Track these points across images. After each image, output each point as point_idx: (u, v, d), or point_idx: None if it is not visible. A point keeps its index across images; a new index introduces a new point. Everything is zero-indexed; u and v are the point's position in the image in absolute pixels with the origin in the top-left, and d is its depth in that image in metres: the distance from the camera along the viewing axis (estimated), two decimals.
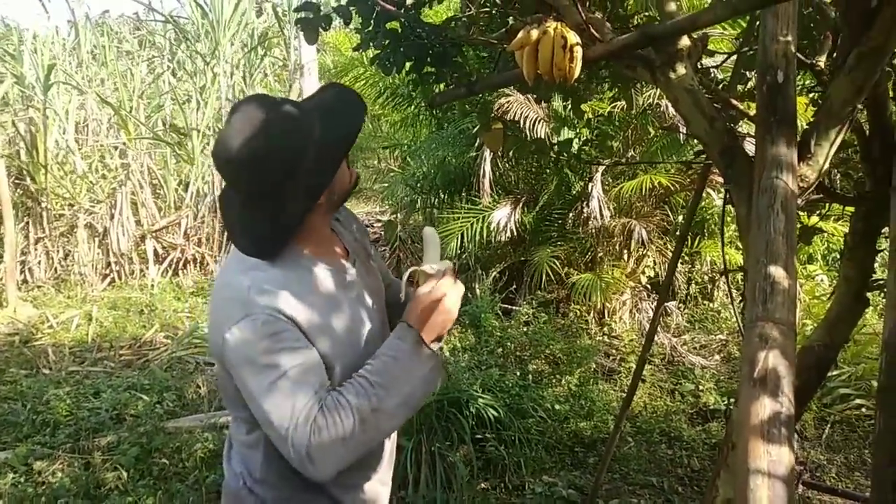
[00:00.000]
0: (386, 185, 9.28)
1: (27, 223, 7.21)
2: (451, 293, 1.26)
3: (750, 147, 1.46)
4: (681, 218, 5.77)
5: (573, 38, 1.38)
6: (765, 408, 0.99)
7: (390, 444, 1.50)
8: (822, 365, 1.70)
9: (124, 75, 8.68)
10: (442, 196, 6.63)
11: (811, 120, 1.49)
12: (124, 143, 7.84)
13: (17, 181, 7.33)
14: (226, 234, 7.68)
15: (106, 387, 4.34)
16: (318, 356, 1.21)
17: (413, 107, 7.11)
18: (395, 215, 7.78)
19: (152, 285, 6.98)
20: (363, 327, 1.34)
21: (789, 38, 1.44)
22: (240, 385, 1.20)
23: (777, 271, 1.14)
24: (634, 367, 4.38)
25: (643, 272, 5.59)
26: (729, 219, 5.69)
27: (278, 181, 1.19)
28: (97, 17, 11.72)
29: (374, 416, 1.16)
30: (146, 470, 3.26)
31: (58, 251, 7.20)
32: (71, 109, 7.82)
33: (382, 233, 8.39)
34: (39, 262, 7.09)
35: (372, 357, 1.24)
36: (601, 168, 5.41)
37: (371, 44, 2.14)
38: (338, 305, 1.29)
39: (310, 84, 3.86)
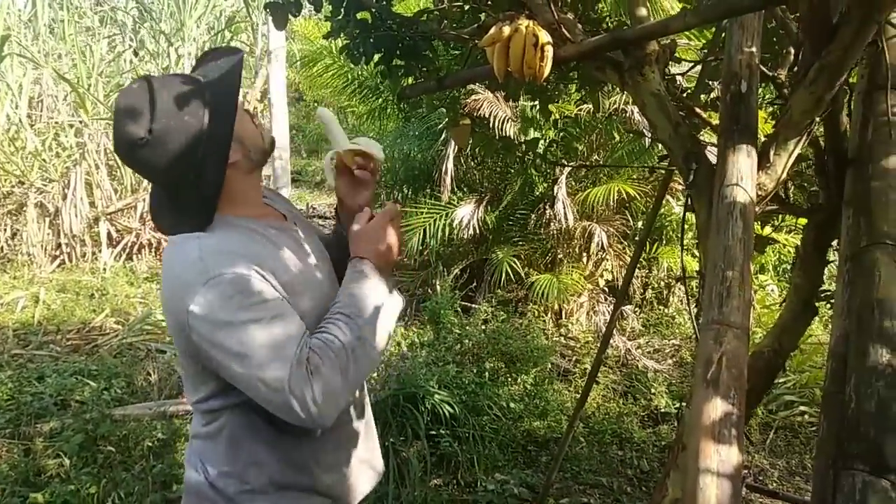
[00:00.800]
0: None
1: None
2: (389, 226, 1.33)
3: (711, 156, 1.49)
4: (640, 223, 5.87)
5: (545, 36, 1.39)
6: (717, 409, 1.01)
7: (364, 420, 1.46)
8: (771, 370, 1.75)
9: (83, 52, 8.41)
10: (406, 191, 6.61)
11: (770, 132, 1.53)
12: (81, 122, 7.60)
13: None
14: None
15: (51, 371, 4.21)
16: (286, 300, 1.20)
17: (380, 99, 7.07)
18: None
19: (104, 269, 6.79)
20: (320, 275, 1.36)
21: (753, 50, 1.48)
22: (216, 356, 1.15)
23: (734, 276, 1.16)
24: (589, 368, 4.45)
25: (601, 275, 5.67)
26: (686, 226, 5.83)
27: (183, 154, 1.18)
28: None
29: (361, 344, 1.19)
30: (90, 458, 3.17)
31: (5, 230, 6.94)
32: (25, 83, 7.54)
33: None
34: None
35: (340, 293, 1.27)
36: (566, 170, 5.47)
37: (341, 33, 2.11)
38: (289, 256, 1.29)
39: (277, 71, 3.79)
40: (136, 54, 9.30)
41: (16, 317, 5.42)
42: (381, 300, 1.26)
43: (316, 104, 12.67)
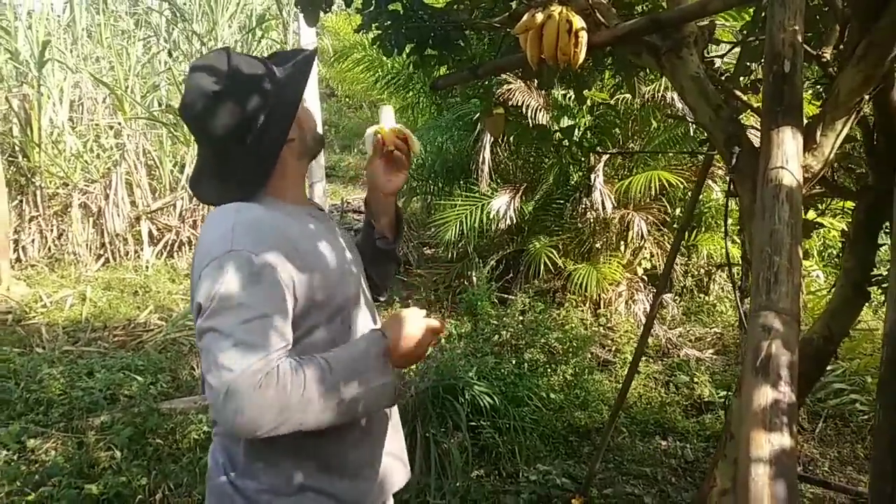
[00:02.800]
0: None
1: (20, 201, 7.16)
2: (429, 333, 1.28)
3: (753, 139, 1.46)
4: (679, 210, 5.77)
5: (578, 22, 1.37)
6: (767, 396, 0.98)
7: (392, 421, 1.44)
8: (822, 357, 1.71)
9: (120, 54, 8.59)
10: (440, 183, 6.61)
11: (815, 113, 1.49)
12: (120, 123, 7.77)
13: (10, 159, 7.26)
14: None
15: (100, 367, 4.33)
16: (289, 308, 1.17)
17: (412, 93, 7.08)
18: None
19: (147, 266, 6.95)
20: (355, 269, 1.40)
21: (797, 28, 1.43)
22: (199, 323, 1.13)
23: (781, 261, 1.13)
24: (630, 358, 4.41)
25: (640, 264, 5.59)
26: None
27: (247, 117, 1.23)
28: None
29: (320, 401, 1.11)
30: (140, 450, 3.25)
31: (51, 230, 7.15)
32: (65, 87, 7.74)
33: None
34: (33, 241, 7.04)
35: (341, 347, 1.22)
36: (603, 159, 5.40)
37: (373, 25, 2.12)
38: (325, 247, 1.31)
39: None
40: (170, 55, 9.46)
41: (65, 314, 5.59)
42: (369, 382, 1.17)
43: (348, 99, 12.78)
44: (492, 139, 5.86)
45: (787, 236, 1.18)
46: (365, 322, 1.38)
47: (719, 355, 4.72)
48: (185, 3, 9.99)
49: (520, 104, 5.24)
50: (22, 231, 7.02)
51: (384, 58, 6.74)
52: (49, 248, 7.08)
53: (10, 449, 3.20)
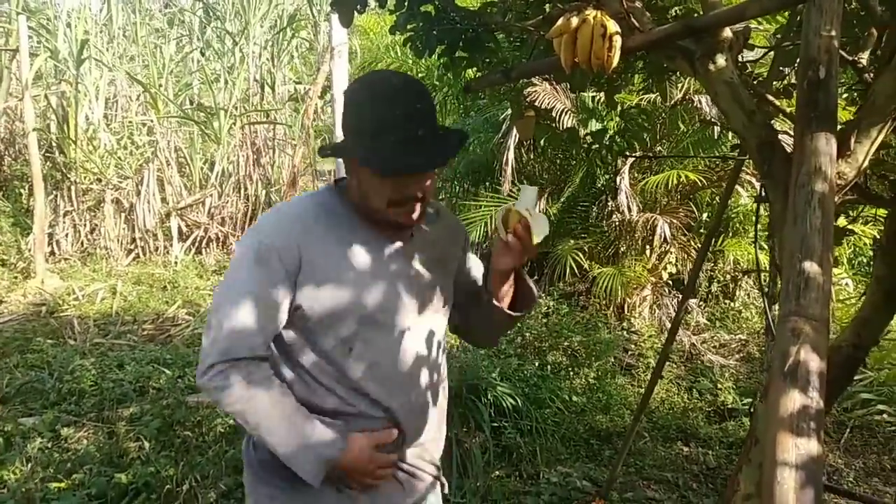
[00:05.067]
0: None
1: (56, 196, 7.33)
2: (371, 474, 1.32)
3: (786, 145, 1.45)
4: (706, 215, 5.72)
5: (613, 26, 1.38)
6: (794, 401, 0.98)
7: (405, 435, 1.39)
8: (850, 365, 1.69)
9: (154, 53, 8.75)
10: (466, 184, 6.63)
11: (848, 119, 1.48)
12: (152, 121, 7.92)
13: (47, 154, 7.44)
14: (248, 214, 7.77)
15: (129, 359, 4.42)
16: (285, 310, 1.27)
17: (440, 94, 7.11)
18: None
19: (176, 262, 7.08)
20: (366, 288, 1.31)
21: (833, 33, 1.42)
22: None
23: (812, 267, 1.13)
24: (653, 362, 4.38)
25: (664, 268, 5.55)
26: (755, 217, 5.64)
27: (351, 125, 1.29)
28: None
29: (254, 427, 1.26)
30: (168, 441, 3.32)
31: (85, 225, 7.32)
32: (101, 85, 7.91)
33: None
34: (67, 235, 7.21)
35: (301, 415, 1.28)
36: (629, 161, 5.38)
37: (405, 26, 2.14)
38: (345, 257, 1.30)
39: (340, 67, 3.86)
40: (202, 54, 9.63)
41: (96, 307, 5.72)
42: (299, 455, 1.25)
43: None
44: (516, 141, 5.87)
45: (819, 242, 1.17)
46: (378, 355, 1.32)
47: (744, 362, 4.67)
48: (216, 3, 10.15)
49: (547, 106, 5.23)
50: (56, 225, 7.19)
51: (413, 61, 6.80)
52: (82, 243, 7.25)
53: (44, 437, 3.28)
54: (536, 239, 1.32)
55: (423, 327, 1.38)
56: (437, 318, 1.42)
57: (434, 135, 1.25)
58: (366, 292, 1.30)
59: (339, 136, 4.27)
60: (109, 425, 3.51)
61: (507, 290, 1.42)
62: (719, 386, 4.18)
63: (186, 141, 8.18)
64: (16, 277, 6.35)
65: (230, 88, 8.44)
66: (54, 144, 7.48)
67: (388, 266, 1.34)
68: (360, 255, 1.31)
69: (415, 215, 1.29)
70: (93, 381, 4.02)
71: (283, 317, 1.28)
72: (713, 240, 5.46)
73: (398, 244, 1.35)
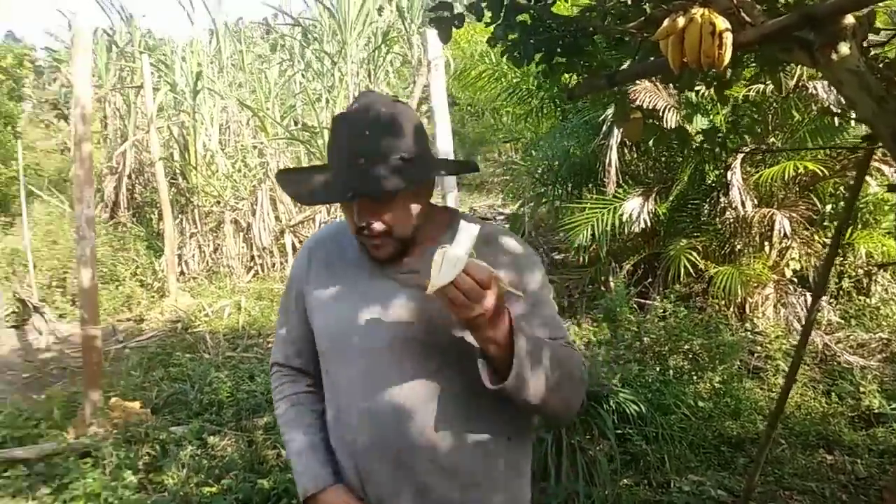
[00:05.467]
0: (508, 177, 9.32)
1: (181, 220, 7.88)
2: None
3: None
4: (829, 207, 5.39)
5: (722, 23, 1.33)
6: None
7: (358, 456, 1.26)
8: None
9: (259, 79, 9.24)
10: (568, 187, 6.56)
11: None
12: (262, 143, 8.36)
13: (171, 181, 8.02)
14: None
15: (259, 372, 4.68)
16: (298, 304, 1.34)
17: (536, 100, 7.09)
18: (521, 208, 7.78)
19: None
20: (341, 315, 1.25)
21: None
22: None
23: None
24: (783, 364, 4.17)
25: (787, 265, 5.27)
26: (887, 207, 5.26)
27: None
28: (233, 25, 12.56)
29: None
30: None
31: (209, 245, 7.82)
32: (215, 113, 8.43)
33: (507, 227, 8.44)
34: (193, 256, 7.73)
35: (310, 447, 1.31)
36: (740, 156, 5.15)
37: (504, 36, 2.17)
38: (328, 290, 1.28)
39: (438, 80, 3.93)
40: (303, 76, 10.07)
41: (224, 322, 6.09)
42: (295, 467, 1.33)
43: (469, 108, 12.96)
44: (619, 140, 5.75)
45: None
46: (338, 382, 1.26)
47: (888, 363, 4.35)
48: (312, 25, 10.57)
49: (650, 105, 5.11)
50: (184, 247, 7.73)
51: (507, 67, 6.82)
52: (207, 262, 7.75)
53: (193, 444, 3.53)
54: (431, 285, 0.99)
55: (399, 363, 1.19)
56: (428, 360, 1.19)
57: (351, 167, 1.13)
58: (333, 313, 1.26)
59: (439, 147, 4.33)
60: (248, 434, 3.73)
61: (493, 350, 1.08)
62: (861, 389, 3.92)
63: (294, 160, 8.57)
64: (153, 296, 6.87)
65: (331, 107, 8.78)
66: (177, 171, 8.05)
67: (366, 291, 1.23)
68: (343, 279, 1.27)
69: (379, 249, 1.19)
70: (229, 393, 4.28)
71: (310, 333, 1.33)
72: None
73: (388, 271, 1.23)
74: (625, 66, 2.62)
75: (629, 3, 2.18)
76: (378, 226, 1.16)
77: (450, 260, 0.98)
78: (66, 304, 6.96)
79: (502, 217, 9.12)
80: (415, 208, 1.19)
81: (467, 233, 1.01)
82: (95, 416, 3.86)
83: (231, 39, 10.14)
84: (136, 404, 4.12)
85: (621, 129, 5.27)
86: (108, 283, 7.08)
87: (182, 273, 7.58)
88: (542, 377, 1.09)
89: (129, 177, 9.23)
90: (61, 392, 4.64)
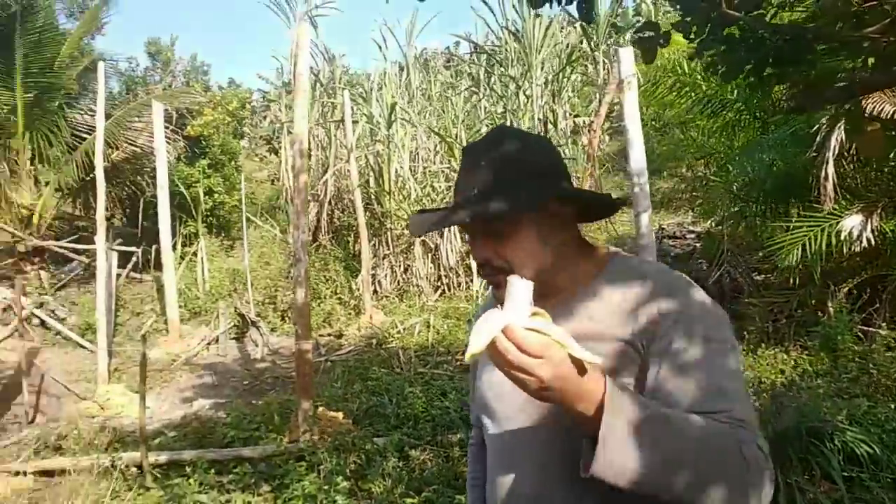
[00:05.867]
0: (699, 194, 8.82)
1: (375, 243, 8.42)
2: None
3: None
4: None
5: None
6: None
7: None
8: None
9: (445, 106, 9.66)
10: (773, 204, 6.06)
11: None
12: (450, 168, 8.70)
13: (367, 206, 8.61)
14: None
15: (450, 388, 4.83)
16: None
17: (731, 112, 6.66)
18: (719, 227, 7.31)
19: (476, 296, 7.60)
20: (479, 374, 1.17)
21: None
22: None
23: None
24: None
25: None
26: None
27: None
28: (420, 56, 13.27)
29: None
30: None
31: (399, 266, 8.27)
32: (406, 141, 8.94)
33: (699, 246, 7.98)
34: (386, 276, 8.22)
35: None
36: None
37: (708, 50, 2.06)
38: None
39: (631, 98, 3.85)
40: (487, 100, 10.36)
41: (414, 339, 6.38)
42: None
43: (653, 122, 12.52)
44: (836, 153, 5.20)
45: None
46: (491, 445, 1.14)
47: None
48: (493, 51, 10.85)
49: (887, 115, 4.56)
50: (378, 267, 8.25)
51: (701, 78, 6.49)
52: (398, 282, 8.20)
53: (395, 456, 3.72)
54: (469, 353, 0.85)
55: (535, 424, 1.05)
56: (558, 436, 1.02)
57: (465, 198, 1.04)
58: (480, 371, 1.17)
59: (632, 165, 4.21)
60: (444, 449, 3.84)
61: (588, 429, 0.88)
62: None
63: None
64: (349, 314, 7.40)
65: None
66: (372, 197, 8.63)
67: None
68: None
69: (500, 288, 0.99)
70: (423, 408, 4.46)
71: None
72: None
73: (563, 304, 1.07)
74: (857, 73, 2.38)
75: (863, 6, 1.99)
76: (496, 261, 1.04)
77: (480, 324, 0.84)
78: (276, 318, 7.72)
79: (693, 235, 8.64)
80: (539, 244, 1.05)
81: (517, 290, 0.86)
82: (307, 422, 4.21)
83: (420, 70, 10.72)
84: (340, 414, 4.44)
85: (856, 145, 4.78)
86: (312, 301, 7.73)
87: (375, 292, 8.07)
88: (660, 462, 0.84)
89: (330, 203, 10.06)
90: (276, 399, 5.13)
